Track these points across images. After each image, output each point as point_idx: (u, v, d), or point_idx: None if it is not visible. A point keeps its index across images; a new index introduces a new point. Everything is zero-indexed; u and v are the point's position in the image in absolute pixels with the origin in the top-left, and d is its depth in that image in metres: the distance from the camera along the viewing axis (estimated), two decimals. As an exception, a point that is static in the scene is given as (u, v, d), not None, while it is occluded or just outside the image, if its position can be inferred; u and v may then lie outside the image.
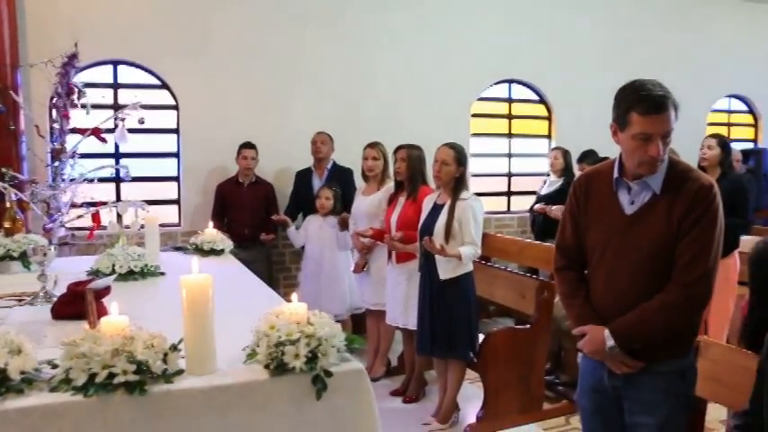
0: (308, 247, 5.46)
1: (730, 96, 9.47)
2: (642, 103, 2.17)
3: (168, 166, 6.16)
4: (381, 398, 4.67)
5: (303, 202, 5.76)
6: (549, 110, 7.86)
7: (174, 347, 1.88)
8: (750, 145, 9.46)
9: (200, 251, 4.25)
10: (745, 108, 9.68)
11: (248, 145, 5.79)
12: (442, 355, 4.27)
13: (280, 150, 6.19)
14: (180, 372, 1.87)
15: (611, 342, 2.26)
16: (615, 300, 2.30)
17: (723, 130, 8.92)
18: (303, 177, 5.93)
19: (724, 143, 4.99)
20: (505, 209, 7.77)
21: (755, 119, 9.76)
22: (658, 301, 2.21)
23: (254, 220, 5.78)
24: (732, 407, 2.87)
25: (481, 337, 4.32)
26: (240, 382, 1.89)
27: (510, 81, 7.62)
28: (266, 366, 1.92)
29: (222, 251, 4.31)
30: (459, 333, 4.14)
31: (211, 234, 4.37)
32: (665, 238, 2.20)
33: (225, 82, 6.07)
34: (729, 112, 9.57)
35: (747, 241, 4.68)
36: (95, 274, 3.35)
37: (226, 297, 2.61)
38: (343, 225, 5.32)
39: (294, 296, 2.06)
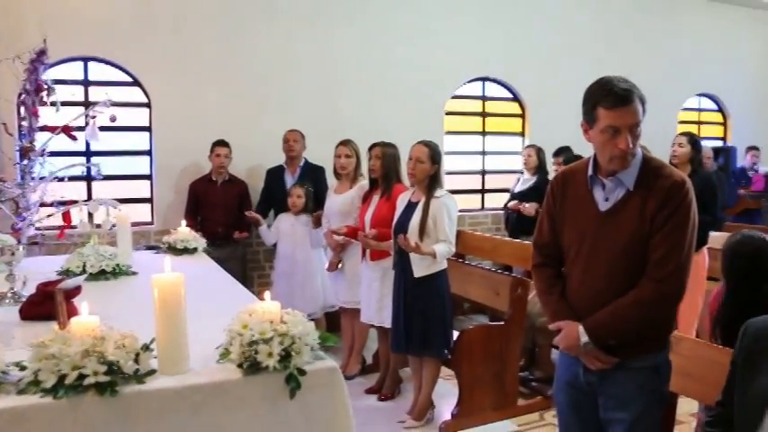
0: (280, 245, 5.44)
1: (700, 95, 9.61)
2: (607, 98, 2.20)
3: (141, 165, 6.09)
4: (356, 396, 4.70)
5: (275, 200, 5.74)
6: (522, 108, 7.91)
7: (146, 347, 1.87)
8: (719, 143, 9.61)
9: (173, 250, 4.21)
10: (714, 107, 9.83)
11: (221, 143, 5.75)
12: (416, 353, 4.28)
13: (253, 148, 6.15)
14: (152, 372, 1.86)
15: (585, 338, 2.28)
16: (590, 296, 2.32)
17: (693, 128, 9.05)
18: (275, 175, 5.90)
19: (694, 141, 5.05)
20: (479, 206, 7.80)
21: (724, 117, 9.91)
22: (632, 296, 2.23)
23: (227, 218, 5.74)
24: (702, 400, 2.93)
25: (456, 334, 4.33)
26: (213, 382, 1.88)
27: (484, 79, 7.65)
28: (239, 365, 1.91)
29: (195, 250, 4.29)
30: (433, 330, 4.15)
31: (184, 233, 4.34)
32: (639, 234, 2.22)
33: (198, 79, 6.01)
34: (699, 110, 9.71)
35: (716, 238, 4.75)
36: (66, 273, 3.31)
37: (199, 296, 2.59)
38: (317, 223, 5.30)
39: (267, 295, 2.05)
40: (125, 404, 1.75)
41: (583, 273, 2.36)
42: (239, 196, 5.87)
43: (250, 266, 6.30)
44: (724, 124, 9.95)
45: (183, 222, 4.51)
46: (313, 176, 5.77)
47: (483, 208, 7.78)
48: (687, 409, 3.69)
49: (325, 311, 5.46)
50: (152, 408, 1.79)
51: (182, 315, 1.91)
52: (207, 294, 3.00)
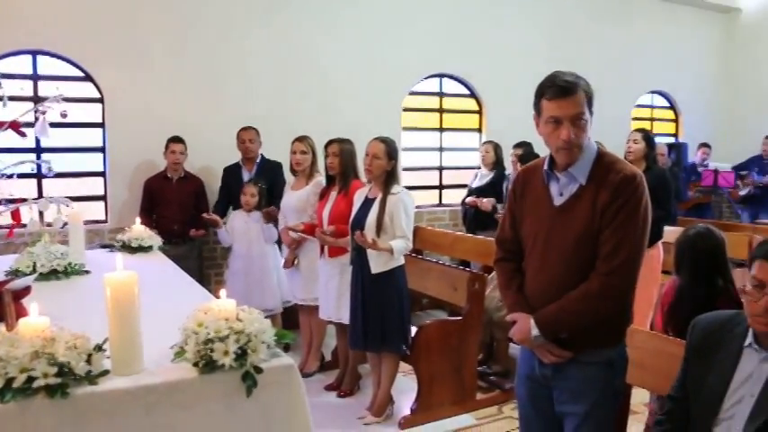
0: (234, 243, 5.38)
1: (653, 92, 9.82)
2: (550, 89, 2.24)
3: (94, 162, 5.97)
4: (316, 393, 4.70)
5: (233, 198, 5.67)
6: (479, 104, 7.97)
7: (99, 348, 1.84)
8: (671, 139, 9.82)
9: (127, 248, 4.15)
10: (666, 104, 10.06)
11: (176, 139, 5.66)
12: (375, 349, 4.28)
13: (210, 144, 6.08)
14: (105, 372, 1.83)
15: (535, 331, 2.30)
16: (544, 290, 2.35)
17: (647, 125, 9.25)
18: (232, 172, 5.84)
19: (648, 137, 5.14)
20: (437, 202, 7.84)
21: (676, 114, 10.15)
22: (580, 290, 2.25)
23: (183, 215, 5.66)
24: (655, 391, 2.99)
25: (414, 329, 4.35)
26: (168, 381, 1.86)
27: (441, 75, 7.68)
28: (195, 364, 1.89)
29: (150, 248, 4.23)
30: (391, 326, 4.16)
31: (139, 231, 4.28)
32: (590, 228, 2.24)
33: (152, 74, 5.91)
34: (652, 107, 9.93)
35: (671, 232, 4.83)
36: (15, 273, 3.24)
37: (154, 294, 2.56)
38: (268, 218, 5.25)
39: (223, 292, 2.03)
40: (77, 406, 1.72)
41: (537, 267, 2.38)
42: (195, 193, 5.80)
43: (207, 264, 6.23)
44: (676, 121, 10.19)
45: (138, 220, 4.44)
46: (270, 173, 5.73)
47: (441, 204, 7.83)
48: (641, 399, 3.76)
49: (282, 307, 5.42)
50: (104, 409, 1.76)
51: (135, 314, 1.88)
52: (162, 293, 2.97)
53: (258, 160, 5.83)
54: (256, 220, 5.29)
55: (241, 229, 5.33)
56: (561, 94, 2.22)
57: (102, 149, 5.92)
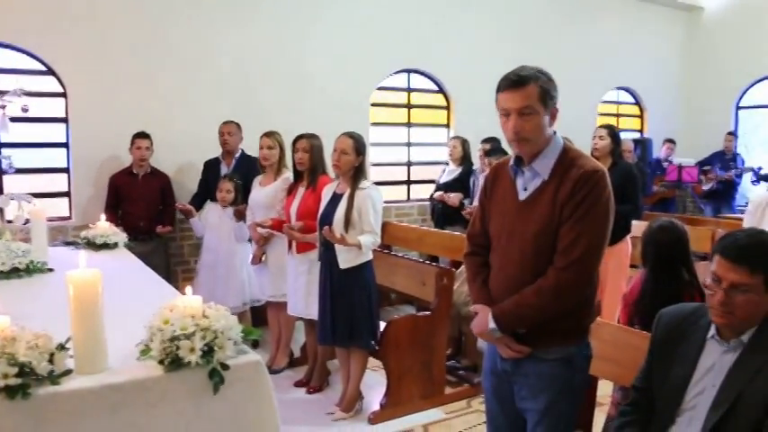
0: (206, 236, 5.37)
1: (619, 89, 9.95)
2: (502, 82, 2.28)
3: (57, 157, 5.86)
4: (285, 389, 4.69)
5: (211, 192, 5.61)
6: (447, 99, 8.00)
7: (62, 347, 1.81)
8: (636, 135, 9.97)
9: (92, 245, 4.10)
10: (632, 100, 10.20)
11: (142, 135, 5.58)
12: (344, 345, 4.28)
13: (177, 140, 6.01)
14: (68, 372, 1.80)
15: (492, 324, 2.31)
16: (505, 283, 2.36)
17: (613, 121, 9.38)
18: (211, 167, 5.80)
19: (614, 133, 5.19)
20: (405, 197, 7.86)
21: (641, 110, 10.30)
22: (536, 285, 2.25)
23: (149, 212, 5.60)
24: (619, 382, 3.03)
25: (382, 324, 4.35)
26: (133, 380, 1.84)
27: (409, 71, 7.69)
28: (161, 362, 1.88)
29: (116, 245, 4.18)
30: (360, 322, 4.16)
31: (104, 227, 4.23)
32: (550, 223, 2.24)
33: (116, 68, 5.81)
34: (618, 103, 10.06)
35: (638, 226, 4.90)
36: (-25, 272, 3.17)
37: (119, 292, 2.53)
38: (239, 216, 5.23)
39: (189, 289, 2.01)
40: (38, 407, 1.69)
41: (501, 260, 2.40)
42: (161, 189, 5.73)
43: (174, 261, 6.17)
44: (641, 117, 10.34)
45: (103, 217, 4.38)
46: (248, 168, 5.69)
47: (409, 199, 7.84)
48: (607, 391, 3.81)
49: (251, 306, 5.38)
50: (67, 410, 1.73)
51: (99, 312, 1.85)
52: (127, 290, 2.93)
53: (237, 155, 5.79)
54: (230, 217, 5.27)
55: (214, 223, 5.32)
56: (510, 86, 2.24)
57: (65, 145, 5.82)
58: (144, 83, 5.92)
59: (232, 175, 5.44)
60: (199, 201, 5.72)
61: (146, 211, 5.58)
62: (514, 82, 2.23)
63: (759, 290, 2.04)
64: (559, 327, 2.28)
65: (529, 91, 2.22)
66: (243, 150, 5.84)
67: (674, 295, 2.93)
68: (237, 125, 5.78)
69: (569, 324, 2.30)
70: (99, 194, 5.72)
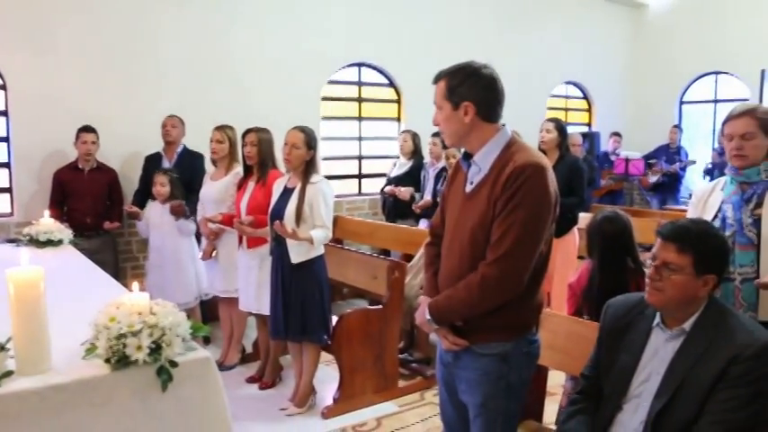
0: (150, 235, 5.25)
1: (568, 83, 10.11)
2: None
3: (-3, 152, 5.70)
4: (237, 385, 4.66)
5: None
6: (398, 93, 8.01)
7: (1, 347, 1.76)
8: (584, 128, 10.14)
9: (35, 242, 4.00)
10: (580, 94, 10.37)
11: (87, 128, 5.44)
12: (296, 339, 4.26)
13: (124, 134, 5.89)
14: (9, 373, 1.76)
15: (427, 315, 2.35)
16: (447, 275, 2.39)
17: (561, 115, 9.53)
18: (152, 162, 5.68)
19: (561, 127, 5.26)
20: (357, 191, 7.85)
21: (589, 104, 10.48)
22: (466, 279, 2.26)
23: (96, 207, 5.47)
24: (570, 372, 3.09)
25: (335, 319, 4.35)
26: (78, 380, 1.80)
27: (359, 65, 7.68)
28: (107, 360, 1.84)
29: (60, 242, 4.08)
30: (312, 316, 4.15)
31: (48, 224, 4.12)
32: (485, 217, 2.25)
33: (60, 59, 5.65)
34: (567, 97, 10.22)
35: (585, 218, 4.99)
36: None
37: (64, 290, 2.47)
38: (176, 213, 5.13)
39: (135, 286, 1.98)
40: (-22, 409, 1.64)
41: (445, 252, 2.44)
42: (108, 185, 5.60)
43: (123, 258, 6.05)
44: (589, 111, 10.53)
45: (47, 213, 4.27)
46: (190, 163, 5.62)
47: (360, 193, 7.83)
48: (558, 380, 3.88)
49: (200, 300, 5.32)
50: (9, 412, 1.69)
51: (41, 311, 1.81)
52: (73, 288, 2.87)
53: (179, 150, 5.70)
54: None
55: (156, 221, 5.20)
56: (432, 83, 2.36)
57: (5, 139, 5.65)
58: (88, 75, 5.77)
59: (173, 169, 5.34)
60: (141, 197, 5.60)
61: (92, 207, 5.45)
62: (435, 78, 2.35)
63: (688, 271, 2.11)
64: (495, 322, 2.27)
65: (438, 86, 2.33)
66: (185, 145, 5.75)
67: (620, 284, 3.00)
68: (180, 119, 5.70)
69: (505, 320, 2.28)
70: (43, 190, 5.56)
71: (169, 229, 5.14)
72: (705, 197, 2.90)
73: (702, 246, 2.13)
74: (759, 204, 2.67)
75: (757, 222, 2.65)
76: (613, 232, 3.15)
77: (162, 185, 5.14)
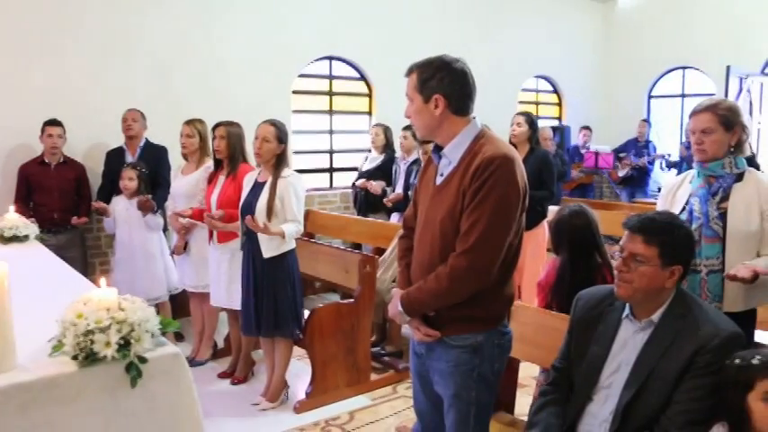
0: (117, 230, 5.17)
1: (538, 77, 10.17)
2: None
3: (-40, 147, 5.57)
4: (209, 381, 4.64)
5: (116, 183, 5.44)
6: (369, 87, 8.00)
7: (-35, 345, 1.73)
8: (555, 122, 10.22)
9: (0, 238, 3.91)
10: (551, 88, 10.44)
11: (53, 122, 5.35)
12: (268, 334, 4.24)
13: (91, 128, 5.80)
14: (-27, 371, 1.72)
15: (400, 307, 2.36)
16: (419, 267, 2.40)
17: (532, 109, 9.58)
18: (115, 156, 5.61)
19: (531, 120, 5.31)
20: (328, 185, 7.83)
21: (560, 98, 10.56)
22: (437, 270, 2.28)
23: (63, 203, 5.38)
24: (541, 364, 3.12)
25: (307, 313, 4.34)
26: (45, 377, 1.77)
27: (330, 58, 7.65)
28: (74, 357, 1.81)
29: (26, 237, 4.00)
30: (284, 311, 4.13)
31: (13, 219, 4.04)
32: (454, 209, 2.27)
33: (25, 53, 5.54)
34: (537, 91, 10.28)
35: (555, 211, 5.03)
36: None
37: (30, 286, 2.44)
38: (144, 208, 5.07)
39: (103, 281, 1.95)
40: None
41: (417, 245, 2.45)
42: (76, 179, 5.52)
43: (91, 253, 5.96)
44: (559, 105, 10.61)
45: (12, 208, 4.19)
46: (154, 157, 5.56)
47: (331, 187, 7.82)
48: (529, 372, 3.92)
49: (170, 294, 5.26)
50: (-27, 411, 1.65)
51: (6, 308, 1.77)
52: (39, 284, 2.83)
53: (142, 144, 5.63)
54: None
55: (122, 215, 5.12)
56: (405, 75, 2.38)
57: (-31, 134, 5.53)
58: (54, 68, 5.67)
59: (142, 164, 5.27)
60: (105, 193, 5.50)
61: (60, 202, 5.36)
62: (406, 71, 2.38)
63: (654, 263, 2.15)
64: (466, 313, 2.30)
65: (409, 80, 2.36)
66: (147, 139, 5.68)
67: (587, 277, 3.03)
68: (142, 113, 5.63)
69: (476, 311, 2.30)
70: (8, 185, 5.45)
71: (136, 223, 5.07)
72: (674, 190, 2.96)
73: (668, 236, 2.17)
74: (725, 198, 2.73)
75: (723, 216, 2.71)
76: (581, 226, 3.19)
77: (130, 180, 5.07)
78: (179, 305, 5.47)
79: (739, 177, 2.76)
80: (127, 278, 4.94)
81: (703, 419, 2.03)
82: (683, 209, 2.82)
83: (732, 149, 2.77)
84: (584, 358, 2.32)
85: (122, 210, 5.11)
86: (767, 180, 2.76)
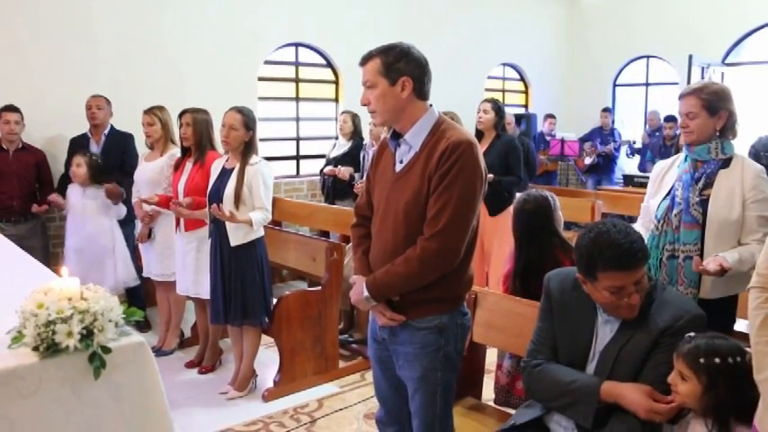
0: (69, 218, 4.99)
1: (505, 65, 10.21)
2: None
3: None
4: (176, 371, 4.61)
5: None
6: (336, 74, 7.95)
7: None
8: (521, 110, 10.27)
9: (-44, 228, 3.83)
10: (517, 76, 10.49)
11: (10, 108, 5.20)
12: (236, 323, 4.21)
13: (52, 114, 5.68)
14: (-71, 364, 1.68)
15: (366, 293, 2.36)
16: (381, 253, 2.41)
17: (499, 96, 9.62)
18: (78, 144, 5.47)
19: (498, 107, 5.31)
20: (295, 173, 7.79)
21: (526, 86, 10.62)
22: (405, 254, 2.30)
23: (23, 190, 5.24)
24: (506, 349, 3.14)
25: (275, 301, 4.32)
26: (4, 369, 1.74)
27: (297, 44, 7.58)
28: (35, 348, 1.78)
29: (-16, 227, 3.91)
30: (252, 299, 4.11)
31: (-30, 208, 3.94)
32: (419, 195, 2.29)
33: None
34: (504, 79, 10.32)
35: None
36: None
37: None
38: (112, 195, 4.96)
39: (65, 271, 1.91)
40: None
41: (377, 231, 2.46)
42: (36, 166, 5.38)
43: (53, 242, 5.84)
44: (526, 93, 10.66)
45: (-31, 197, 4.09)
46: (120, 144, 5.45)
47: (298, 174, 7.78)
48: (494, 359, 3.94)
49: (126, 286, 5.12)
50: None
51: (-37, 299, 1.73)
52: (-2, 274, 2.76)
53: (106, 131, 5.52)
54: (93, 197, 4.93)
55: (76, 204, 4.93)
56: (360, 64, 2.38)
57: None
58: (11, 53, 5.53)
59: (94, 153, 5.10)
60: (66, 182, 5.29)
61: (19, 190, 5.22)
62: (361, 60, 2.39)
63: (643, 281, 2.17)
64: (431, 296, 2.33)
65: (369, 66, 2.35)
66: (113, 125, 5.56)
67: (539, 260, 3.05)
68: (107, 99, 5.51)
69: (441, 293, 2.34)
70: (-36, 173, 5.32)
71: (91, 211, 4.90)
72: (662, 173, 2.98)
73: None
74: (709, 185, 2.75)
75: (704, 202, 2.73)
76: (531, 210, 3.22)
77: (78, 166, 4.88)
78: (145, 294, 5.39)
79: (726, 163, 2.78)
80: (78, 270, 4.77)
81: (669, 392, 2.06)
82: (668, 194, 2.86)
83: (718, 134, 2.80)
84: (567, 337, 2.32)
85: (77, 198, 4.94)
86: (753, 167, 2.77)
